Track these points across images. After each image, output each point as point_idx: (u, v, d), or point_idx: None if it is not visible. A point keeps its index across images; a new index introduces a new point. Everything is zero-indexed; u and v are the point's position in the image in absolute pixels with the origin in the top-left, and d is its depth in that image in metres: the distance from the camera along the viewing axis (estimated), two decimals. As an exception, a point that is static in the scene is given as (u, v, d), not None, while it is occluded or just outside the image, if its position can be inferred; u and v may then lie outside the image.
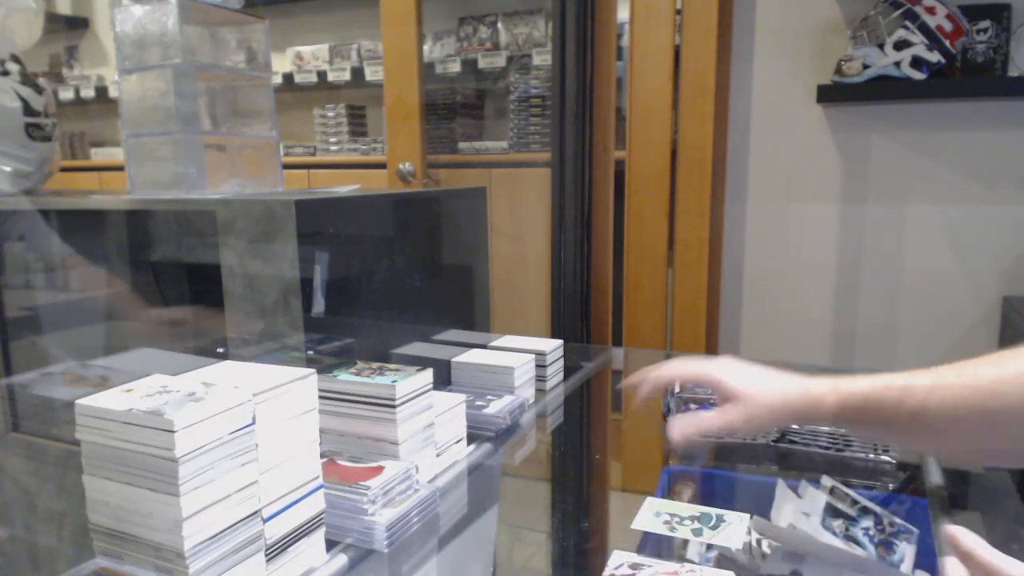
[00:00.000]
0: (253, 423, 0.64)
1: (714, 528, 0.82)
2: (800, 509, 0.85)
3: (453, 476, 0.93)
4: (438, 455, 0.92)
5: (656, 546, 0.84)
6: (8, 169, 1.22)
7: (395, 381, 0.83)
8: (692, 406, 1.16)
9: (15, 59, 1.23)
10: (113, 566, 0.63)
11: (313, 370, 0.70)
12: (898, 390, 0.69)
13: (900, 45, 1.95)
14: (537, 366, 1.25)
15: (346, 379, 0.85)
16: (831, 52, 2.15)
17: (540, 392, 1.26)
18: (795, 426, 1.08)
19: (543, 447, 1.16)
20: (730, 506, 0.87)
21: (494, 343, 1.33)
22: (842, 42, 2.14)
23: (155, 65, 1.07)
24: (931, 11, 1.92)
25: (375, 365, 0.89)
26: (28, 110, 1.22)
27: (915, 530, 0.84)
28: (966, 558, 0.57)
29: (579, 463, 1.18)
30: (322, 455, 0.81)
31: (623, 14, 2.34)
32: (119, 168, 2.66)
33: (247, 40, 1.21)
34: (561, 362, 1.34)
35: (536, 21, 2.87)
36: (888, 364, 2.19)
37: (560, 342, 1.33)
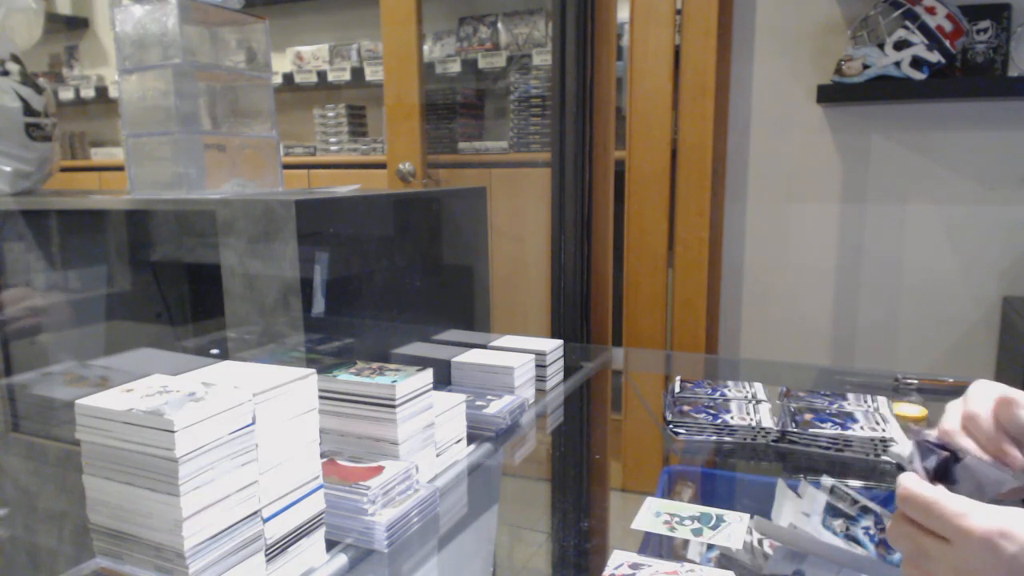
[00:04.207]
0: (253, 423, 0.64)
1: (714, 528, 0.82)
2: (800, 509, 0.85)
3: (453, 476, 0.93)
4: (438, 455, 0.92)
5: (656, 546, 0.84)
6: (8, 169, 1.22)
7: (395, 381, 0.83)
8: (685, 408, 1.16)
9: (15, 59, 1.23)
10: (113, 566, 0.63)
11: (313, 370, 0.70)
12: None
13: (900, 45, 1.95)
14: (537, 366, 1.25)
15: (346, 379, 0.85)
16: (831, 52, 2.15)
17: (540, 392, 1.26)
18: (794, 426, 1.08)
19: (543, 447, 1.16)
20: (730, 506, 0.87)
21: (494, 343, 1.33)
22: (842, 42, 2.14)
23: (155, 65, 1.07)
24: (931, 11, 1.92)
25: (375, 365, 0.89)
26: (28, 110, 1.22)
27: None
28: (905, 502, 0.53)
29: (579, 463, 1.18)
30: (322, 455, 0.81)
31: (623, 14, 2.34)
32: (119, 168, 2.66)
33: (247, 40, 1.21)
34: (561, 362, 1.34)
35: (536, 21, 2.87)
36: (888, 364, 2.20)
37: (560, 342, 1.33)
